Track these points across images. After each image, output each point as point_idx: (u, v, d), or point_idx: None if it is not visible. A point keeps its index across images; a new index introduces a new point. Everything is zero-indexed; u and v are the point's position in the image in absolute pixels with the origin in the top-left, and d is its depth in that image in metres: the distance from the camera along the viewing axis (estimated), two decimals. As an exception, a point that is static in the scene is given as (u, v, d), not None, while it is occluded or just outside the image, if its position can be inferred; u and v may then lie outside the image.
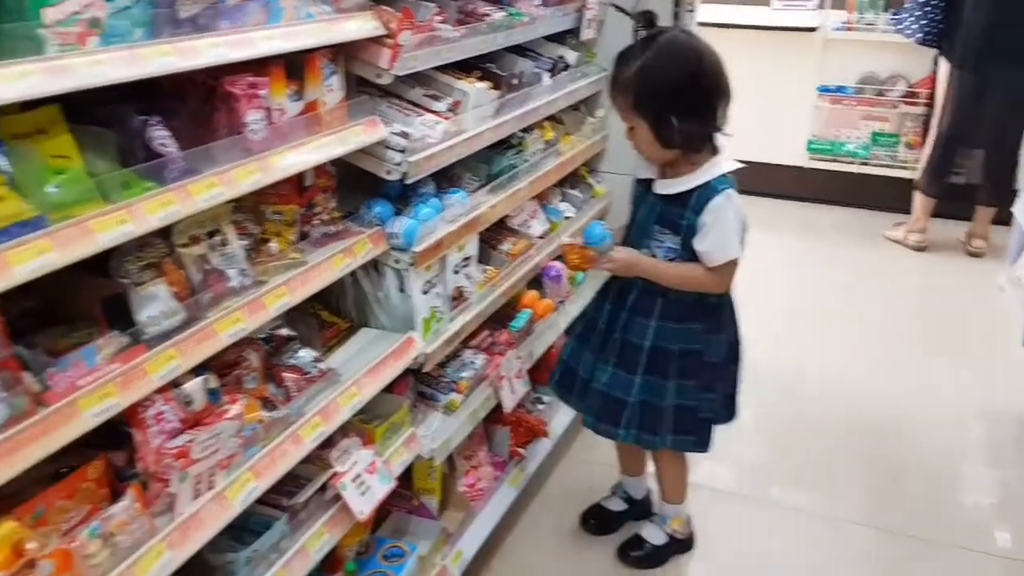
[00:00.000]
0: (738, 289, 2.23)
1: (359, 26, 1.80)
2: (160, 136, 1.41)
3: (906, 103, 5.54)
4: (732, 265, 2.15)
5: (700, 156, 2.13)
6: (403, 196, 2.18)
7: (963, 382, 3.64)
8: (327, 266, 1.82)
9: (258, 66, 1.60)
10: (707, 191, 2.10)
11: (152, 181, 1.38)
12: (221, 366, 1.66)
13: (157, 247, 1.49)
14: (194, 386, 1.48)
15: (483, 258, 2.53)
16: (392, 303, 2.11)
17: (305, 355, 1.84)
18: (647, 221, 2.20)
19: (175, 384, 1.46)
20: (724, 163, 2.15)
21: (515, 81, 2.46)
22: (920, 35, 4.74)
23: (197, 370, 1.51)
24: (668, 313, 2.20)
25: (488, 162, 2.54)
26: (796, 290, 4.67)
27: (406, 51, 1.92)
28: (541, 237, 2.81)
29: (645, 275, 2.19)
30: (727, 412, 2.36)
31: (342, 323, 2.13)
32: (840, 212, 5.72)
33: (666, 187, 2.16)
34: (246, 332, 1.58)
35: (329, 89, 1.81)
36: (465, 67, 2.38)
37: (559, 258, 3.02)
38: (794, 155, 5.76)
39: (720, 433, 2.35)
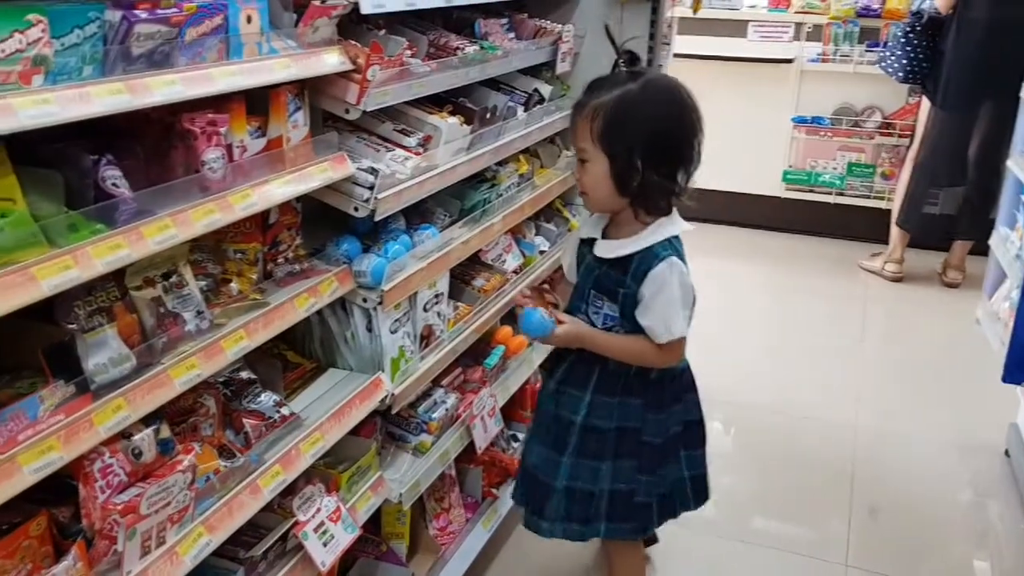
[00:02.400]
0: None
1: (326, 62, 1.76)
2: (112, 176, 1.35)
3: (882, 134, 5.58)
4: (679, 342, 1.95)
5: (649, 216, 1.93)
6: (372, 232, 2.12)
7: (941, 415, 3.62)
8: (290, 307, 1.76)
9: (219, 102, 1.54)
10: (648, 258, 1.89)
11: (102, 223, 1.31)
12: (176, 413, 1.59)
13: (108, 290, 1.42)
14: (144, 437, 1.41)
15: (455, 294, 2.48)
16: (360, 343, 2.05)
17: (266, 399, 1.78)
18: (584, 284, 2.01)
19: (124, 435, 1.39)
20: (671, 225, 1.94)
21: (488, 115, 2.42)
22: (901, 74, 4.75)
23: (149, 419, 1.44)
24: (604, 386, 1.99)
25: (461, 196, 2.50)
26: (772, 321, 4.65)
27: (374, 86, 1.87)
28: (516, 272, 2.76)
29: (590, 347, 1.99)
30: (690, 498, 2.13)
31: (308, 364, 2.07)
32: (816, 242, 5.72)
33: (605, 249, 1.96)
34: (201, 378, 1.51)
35: (294, 125, 1.76)
36: (438, 101, 2.34)
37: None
38: (770, 185, 5.77)
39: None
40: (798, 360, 4.13)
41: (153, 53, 1.35)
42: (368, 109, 1.89)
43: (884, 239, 5.20)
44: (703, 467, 2.13)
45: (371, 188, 1.92)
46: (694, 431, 2.08)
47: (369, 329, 2.04)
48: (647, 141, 1.85)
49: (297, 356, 2.07)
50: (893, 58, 4.76)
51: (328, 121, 2.01)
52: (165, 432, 1.47)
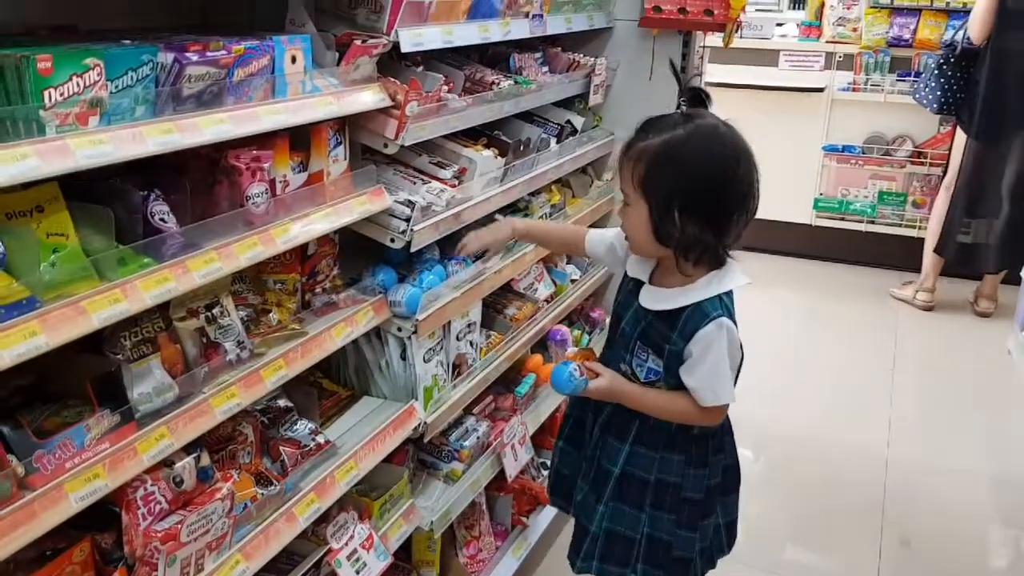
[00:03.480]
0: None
1: (366, 99, 1.80)
2: (160, 211, 1.40)
3: (913, 163, 5.55)
4: (724, 406, 1.84)
5: (696, 268, 1.78)
6: (407, 261, 2.16)
7: (973, 445, 3.58)
8: (327, 336, 1.80)
9: (263, 138, 1.59)
10: (697, 316, 1.75)
11: (150, 257, 1.36)
12: (215, 441, 1.63)
13: (153, 321, 1.46)
14: (185, 465, 1.45)
15: (488, 323, 2.50)
16: (394, 371, 2.08)
17: (302, 427, 1.81)
18: (631, 333, 1.84)
19: (166, 463, 1.42)
20: (726, 278, 1.79)
21: (522, 147, 2.45)
22: (936, 105, 4.72)
23: (190, 447, 1.47)
24: (644, 439, 1.86)
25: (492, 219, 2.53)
26: (803, 349, 4.63)
27: (412, 121, 1.92)
28: (547, 300, 2.79)
29: (628, 404, 1.85)
30: (724, 543, 2.03)
31: (343, 392, 2.10)
32: (847, 270, 5.69)
33: (653, 300, 1.81)
34: (241, 407, 1.55)
35: (334, 159, 1.80)
36: (473, 134, 2.38)
37: (563, 321, 3.00)
38: (801, 213, 5.75)
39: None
40: (829, 388, 4.10)
41: (203, 93, 1.39)
42: (406, 144, 1.93)
43: (916, 267, 5.17)
44: (736, 511, 2.06)
45: (407, 220, 1.96)
46: (730, 475, 2.00)
47: (403, 358, 2.07)
48: (689, 194, 1.69)
49: (332, 384, 2.11)
50: (927, 89, 4.74)
51: (366, 154, 2.05)
52: (205, 460, 1.51)
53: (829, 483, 3.30)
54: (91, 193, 1.36)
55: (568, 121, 2.86)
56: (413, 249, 1.99)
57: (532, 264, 2.67)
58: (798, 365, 4.37)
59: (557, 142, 2.73)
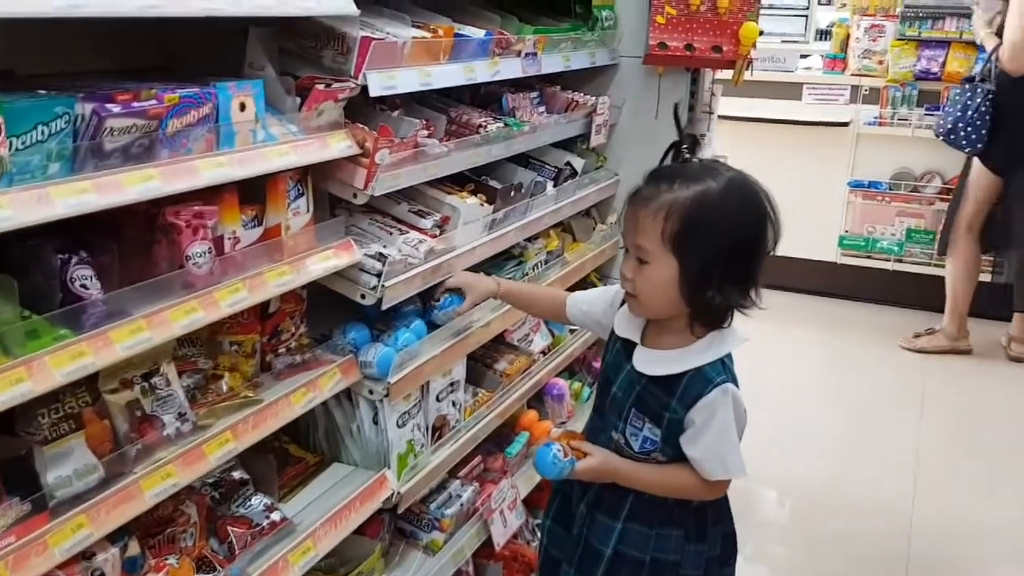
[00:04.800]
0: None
1: (330, 147, 1.67)
2: (82, 276, 1.27)
3: (942, 199, 5.32)
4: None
5: (705, 328, 1.66)
6: (387, 315, 2.02)
7: (1006, 502, 3.35)
8: (285, 404, 1.66)
9: (209, 192, 1.46)
10: (699, 381, 1.62)
11: (67, 328, 1.23)
12: (153, 523, 1.49)
13: (78, 395, 1.33)
14: (108, 557, 1.31)
15: (476, 379, 2.35)
16: (365, 436, 1.93)
17: (257, 503, 1.66)
18: (623, 399, 1.70)
19: (85, 555, 1.28)
20: (728, 339, 1.67)
21: (513, 193, 2.31)
22: (980, 145, 4.39)
23: (116, 535, 1.33)
24: (638, 514, 1.71)
25: (486, 274, 2.38)
26: (826, 392, 4.43)
27: (384, 170, 1.78)
28: (543, 352, 2.63)
29: (622, 483, 1.70)
30: None
31: (311, 458, 1.95)
32: (874, 310, 5.47)
33: (649, 364, 1.67)
34: (178, 488, 1.41)
35: (295, 212, 1.67)
36: (460, 180, 2.25)
37: (563, 373, 2.84)
38: (826, 250, 5.55)
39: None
40: (853, 435, 3.88)
41: (131, 147, 1.27)
42: (377, 193, 1.80)
43: (943, 308, 4.93)
44: None
45: (379, 275, 1.82)
46: (728, 544, 1.84)
47: (375, 422, 1.92)
48: (728, 251, 1.58)
49: (300, 449, 1.97)
50: (970, 128, 4.35)
51: (341, 203, 1.92)
52: (134, 549, 1.37)
53: (850, 537, 3.11)
54: (4, 256, 1.24)
55: (568, 163, 2.72)
56: (385, 306, 1.85)
57: (526, 314, 2.52)
58: (819, 411, 4.17)
59: (555, 185, 2.59)
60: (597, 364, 3.02)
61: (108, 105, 1.21)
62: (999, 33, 4.30)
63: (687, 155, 1.68)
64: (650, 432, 1.68)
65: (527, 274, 2.47)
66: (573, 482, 1.79)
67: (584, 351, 2.91)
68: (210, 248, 1.44)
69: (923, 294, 5.32)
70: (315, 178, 1.74)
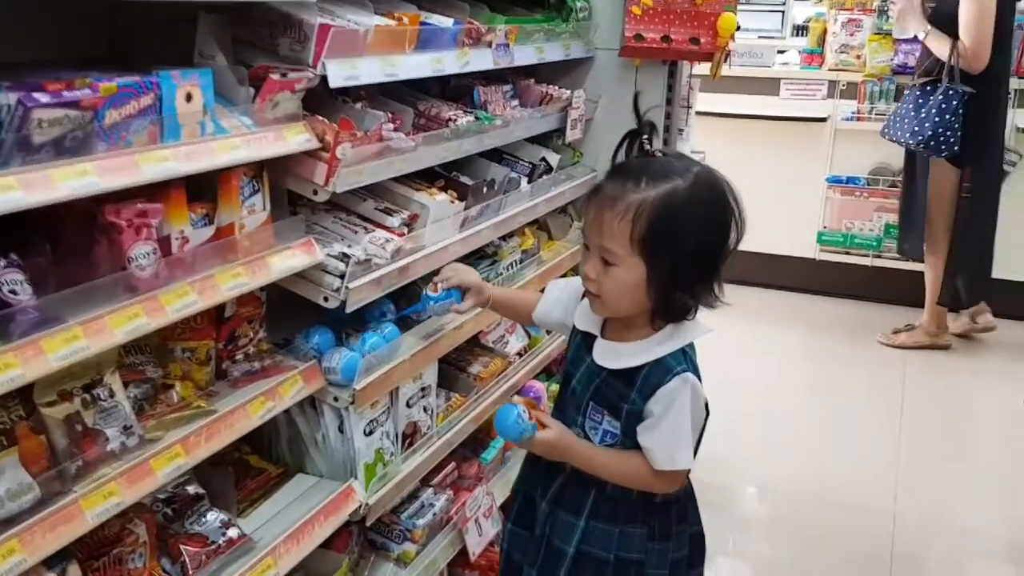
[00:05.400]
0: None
1: (286, 141, 1.58)
2: (11, 280, 1.17)
3: (921, 194, 5.30)
4: (682, 472, 1.65)
5: (661, 322, 1.61)
6: (356, 317, 1.92)
7: (991, 502, 3.30)
8: (242, 414, 1.56)
9: (155, 189, 1.36)
10: (659, 371, 1.58)
11: (-7, 337, 1.13)
12: (98, 543, 1.38)
13: (10, 409, 1.23)
14: (43, 585, 1.21)
15: (448, 382, 2.26)
16: (331, 446, 1.84)
17: (213, 519, 1.56)
18: (582, 392, 1.66)
19: (17, 583, 1.18)
20: (689, 331, 1.62)
21: (485, 189, 2.22)
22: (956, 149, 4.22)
23: (54, 559, 1.23)
24: (602, 512, 1.65)
25: (455, 276, 2.30)
26: (804, 390, 4.38)
27: (346, 165, 1.69)
28: (520, 354, 2.55)
29: (576, 463, 1.66)
30: None
31: (273, 469, 1.86)
32: (853, 306, 5.42)
33: (608, 356, 1.63)
34: (122, 507, 1.31)
35: (250, 210, 1.58)
36: (430, 176, 2.15)
37: (540, 375, 2.76)
38: (804, 247, 5.50)
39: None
40: (834, 432, 3.82)
41: (63, 140, 1.17)
42: (339, 190, 1.70)
43: (923, 303, 4.89)
44: None
45: (342, 277, 1.73)
46: (696, 545, 1.78)
47: (341, 431, 1.83)
48: (696, 251, 1.54)
49: (261, 460, 1.87)
50: (947, 131, 4.17)
51: (303, 201, 1.82)
52: (74, 574, 1.27)
53: (830, 540, 3.04)
54: (-76, 261, 1.14)
55: (543, 159, 2.63)
56: (350, 309, 1.75)
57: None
58: (799, 409, 4.11)
59: (529, 181, 2.50)
60: (575, 365, 2.94)
61: (36, 95, 1.11)
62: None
63: (647, 146, 1.62)
64: (609, 425, 1.65)
65: (501, 274, 2.38)
66: (536, 479, 1.75)
67: (562, 351, 2.83)
68: (155, 249, 1.35)
69: (902, 289, 5.29)
70: (272, 174, 1.65)
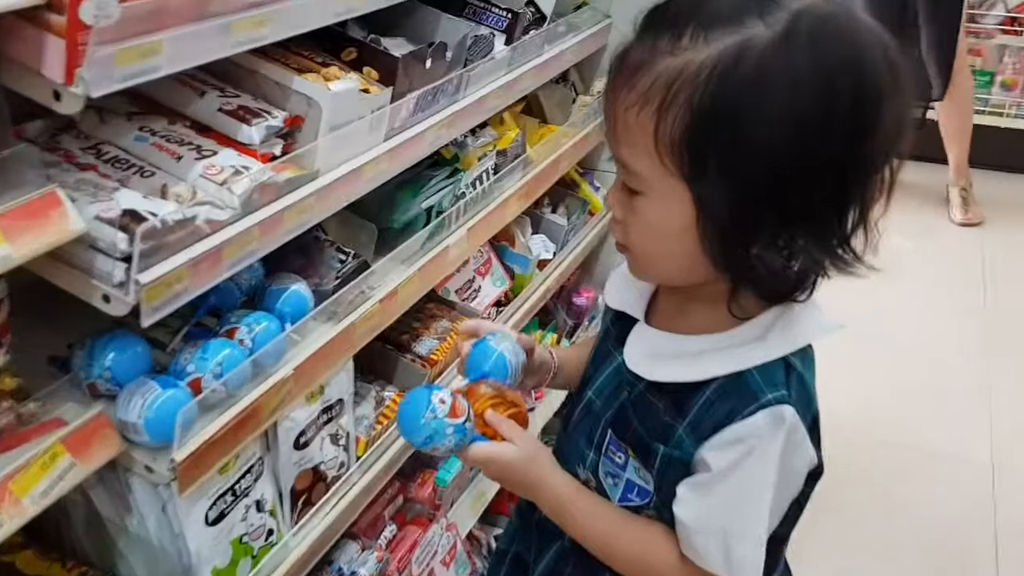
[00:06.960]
0: None
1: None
2: None
3: (1005, 32, 4.34)
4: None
5: (753, 303, 0.92)
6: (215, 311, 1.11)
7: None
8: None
9: None
10: (736, 393, 0.90)
11: None
12: None
13: None
14: None
15: (386, 371, 1.47)
16: (152, 539, 1.06)
17: None
18: (599, 412, 1.00)
19: None
20: (795, 322, 0.92)
21: (430, 61, 1.34)
22: None
23: None
24: None
25: (389, 207, 1.45)
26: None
27: (113, 40, 0.82)
28: (496, 305, 1.74)
29: (547, 511, 1.02)
30: None
31: (60, 574, 1.09)
32: (915, 168, 4.51)
33: (648, 358, 0.97)
34: None
35: None
36: (329, 43, 1.27)
37: (529, 325, 1.96)
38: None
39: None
40: (903, 366, 3.04)
41: None
42: (94, 94, 0.83)
43: (1008, 165, 4.03)
44: None
45: (126, 260, 0.89)
46: None
47: (165, 512, 1.04)
48: (795, 166, 0.82)
49: (39, 558, 1.09)
50: None
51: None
52: None
53: (924, 501, 2.42)
54: None
55: (530, 2, 1.72)
56: (149, 318, 0.92)
57: (464, 258, 1.60)
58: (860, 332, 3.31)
59: (508, 42, 1.61)
60: (581, 299, 2.13)
61: None
62: None
63: None
64: (636, 473, 0.97)
65: (463, 195, 1.52)
66: (528, 541, 1.11)
67: (562, 282, 2.01)
68: None
69: (977, 148, 4.36)
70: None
